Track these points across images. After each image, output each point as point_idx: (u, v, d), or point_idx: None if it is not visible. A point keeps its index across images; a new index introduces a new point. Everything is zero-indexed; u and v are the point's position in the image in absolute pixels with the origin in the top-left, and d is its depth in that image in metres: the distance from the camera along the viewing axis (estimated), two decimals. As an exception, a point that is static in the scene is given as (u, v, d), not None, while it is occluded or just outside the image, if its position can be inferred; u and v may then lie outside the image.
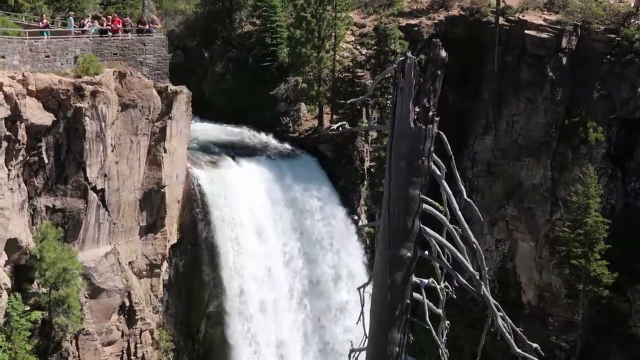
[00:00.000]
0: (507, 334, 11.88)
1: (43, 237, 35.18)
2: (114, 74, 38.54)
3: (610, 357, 51.00)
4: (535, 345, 12.10)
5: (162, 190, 41.70)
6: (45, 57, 36.81)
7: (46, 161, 35.79)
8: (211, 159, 47.29)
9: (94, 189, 37.83)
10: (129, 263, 41.14)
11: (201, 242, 44.79)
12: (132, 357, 40.30)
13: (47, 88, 35.30)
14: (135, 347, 40.44)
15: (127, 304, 39.91)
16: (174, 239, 43.83)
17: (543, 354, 12.16)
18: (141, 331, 40.71)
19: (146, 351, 41.01)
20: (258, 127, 53.21)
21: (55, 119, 35.62)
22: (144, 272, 42.27)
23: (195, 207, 44.42)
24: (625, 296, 50.75)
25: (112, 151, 38.75)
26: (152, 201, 41.57)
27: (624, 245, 49.94)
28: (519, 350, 11.91)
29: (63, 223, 36.96)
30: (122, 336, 39.85)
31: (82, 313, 36.58)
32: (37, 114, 34.76)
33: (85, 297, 37.58)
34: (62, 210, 36.89)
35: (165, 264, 43.54)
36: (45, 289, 35.26)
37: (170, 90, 41.49)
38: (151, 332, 41.54)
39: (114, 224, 39.63)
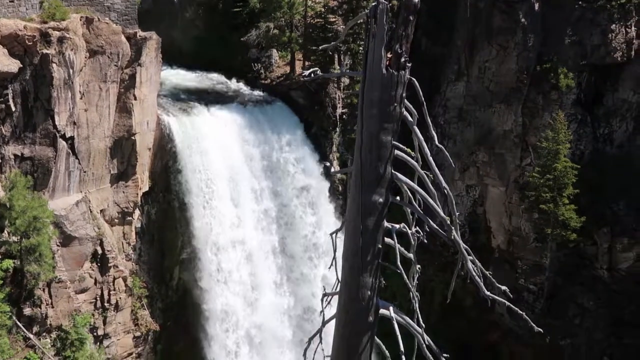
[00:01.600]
0: (476, 277, 12.08)
1: (12, 185, 34.82)
2: (80, 20, 37.74)
3: (576, 299, 52.26)
4: (504, 288, 12.34)
5: (133, 138, 41.35)
6: (10, 2, 35.93)
7: (13, 109, 35.23)
8: (182, 106, 46.85)
9: (63, 137, 37.40)
10: (101, 211, 40.99)
11: (173, 189, 44.69)
12: (106, 304, 40.44)
13: (12, 34, 34.53)
14: (109, 294, 40.57)
15: (100, 251, 39.88)
16: (145, 187, 43.66)
17: (511, 296, 12.41)
18: (114, 278, 40.80)
19: (120, 298, 41.18)
20: (229, 74, 52.69)
21: (21, 65, 34.94)
22: (115, 220, 42.17)
23: (167, 154, 44.18)
24: (592, 239, 51.78)
25: (81, 99, 38.21)
26: (122, 149, 41.24)
27: (592, 189, 50.78)
28: (488, 293, 12.13)
29: (32, 171, 36.61)
30: (95, 284, 39.92)
31: (54, 261, 36.51)
32: (2, 60, 34.08)
33: (57, 245, 37.46)
34: (31, 158, 36.48)
35: (137, 212, 43.46)
36: (16, 238, 35.07)
37: (140, 36, 40.78)
38: (124, 280, 41.64)
39: (84, 172, 39.31)
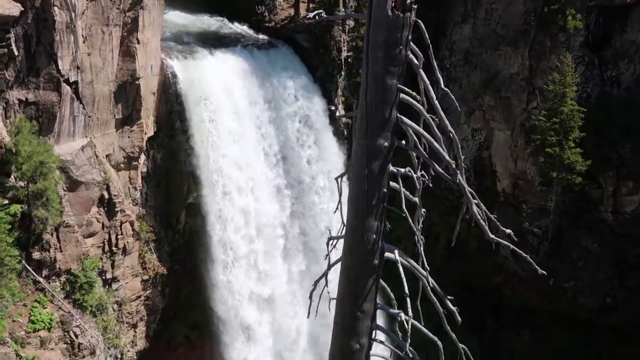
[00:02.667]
0: (481, 220, 12.11)
1: (18, 130, 34.80)
2: (81, -39, 37.18)
3: (580, 242, 52.59)
4: (508, 231, 12.39)
5: (137, 82, 41.11)
6: (9, -57, 35.34)
7: (16, 53, 34.95)
8: (186, 49, 46.42)
9: (67, 81, 37.20)
10: (106, 156, 41.05)
11: (178, 133, 44.65)
12: (114, 248, 40.84)
13: (12, -24, 34.07)
14: (117, 239, 40.94)
15: (106, 196, 40.08)
16: (150, 132, 43.61)
17: (516, 239, 12.47)
18: (121, 223, 41.10)
19: (127, 242, 41.56)
20: (233, 17, 52.07)
21: (22, 9, 34.53)
22: (121, 165, 42.26)
23: (171, 98, 44.01)
24: (597, 183, 51.82)
25: (84, 42, 37.87)
26: (126, 93, 41.06)
27: (598, 133, 50.60)
28: (492, 236, 12.19)
29: (37, 116, 36.53)
30: (103, 228, 40.23)
31: (61, 206, 36.74)
32: (3, 4, 33.67)
33: (64, 190, 37.63)
34: (36, 103, 36.37)
35: (142, 157, 43.50)
36: (23, 183, 35.24)
37: (141, -22, 40.23)
38: (131, 224, 41.97)
39: (89, 117, 39.23)
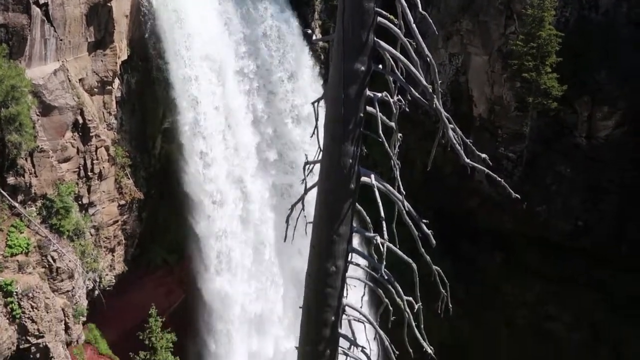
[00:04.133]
0: (457, 145, 12.16)
1: (-13, 54, 34.12)
2: None
3: (554, 166, 53.22)
4: (483, 155, 12.47)
5: (109, 4, 40.14)
6: None
7: (-17, -27, 33.95)
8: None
9: (37, 3, 36.23)
10: (80, 80, 40.41)
11: (151, 57, 43.94)
12: (89, 174, 40.65)
13: None
14: (92, 164, 40.71)
15: (80, 121, 39.65)
16: (124, 55, 42.87)
17: (491, 164, 12.57)
18: (96, 148, 40.81)
19: (103, 167, 41.38)
20: None
21: None
22: (95, 90, 41.67)
23: (144, 21, 43.11)
24: (572, 108, 52.14)
25: (53, -38, 36.79)
26: (99, 16, 40.10)
27: (576, 57, 50.57)
28: (468, 161, 12.26)
29: (7, 39, 35.70)
30: (78, 153, 39.95)
31: (34, 131, 36.34)
32: None
33: (37, 115, 37.16)
34: (5, 26, 35.48)
35: (116, 81, 42.89)
36: (-5, 107, 34.74)
37: None
38: (107, 149, 41.69)
39: (61, 40, 38.39)
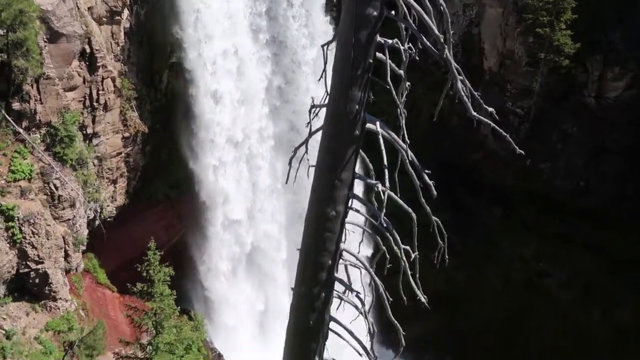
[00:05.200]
0: (465, 97, 12.07)
1: (-4, -24, 33.66)
2: None
3: (560, 124, 52.97)
4: (491, 109, 12.37)
5: None
6: None
7: None
8: None
9: None
10: (88, 9, 39.98)
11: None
12: (95, 104, 40.55)
13: None
14: (98, 94, 40.57)
15: (88, 50, 39.36)
16: (134, -14, 42.37)
17: (497, 118, 12.48)
18: (103, 78, 40.62)
19: (108, 98, 41.24)
20: None
21: None
22: (104, 19, 41.25)
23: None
24: (584, 66, 51.63)
25: None
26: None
27: (591, 15, 49.87)
28: (474, 114, 12.18)
29: (17, -38, 35.19)
30: (84, 82, 39.77)
31: (41, 57, 36.10)
32: None
33: (44, 42, 36.86)
34: (15, -52, 34.95)
35: (126, 11, 42.42)
36: (2, 31, 34.41)
37: None
38: (113, 80, 41.48)
39: (71, -34, 37.88)
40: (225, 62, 45.17)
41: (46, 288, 36.92)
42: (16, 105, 36.07)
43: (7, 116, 35.65)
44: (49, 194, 37.15)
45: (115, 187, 43.86)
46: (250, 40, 46.57)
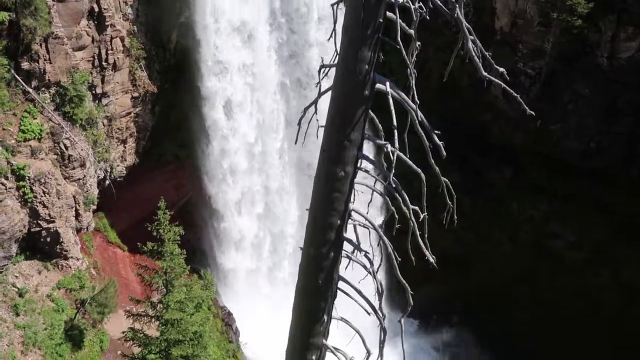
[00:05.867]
0: (475, 57, 11.98)
1: None
2: None
3: (572, 85, 52.53)
4: (502, 69, 12.28)
5: None
6: None
7: None
8: None
9: None
10: (97, -33, 39.64)
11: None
12: (104, 63, 40.46)
13: None
14: (107, 54, 40.45)
15: (96, 9, 39.13)
16: (142, -57, 41.91)
17: (508, 78, 12.40)
18: (111, 38, 40.44)
19: (117, 58, 41.12)
20: None
21: None
22: (112, -23, 40.93)
23: None
24: (597, 26, 50.97)
25: None
26: None
27: (605, -26, 49.15)
28: (485, 74, 12.10)
29: None
30: (93, 42, 39.62)
31: (50, 16, 35.93)
32: None
33: (53, 0, 36.67)
34: None
35: (134, -30, 42.09)
36: (11, -10, 34.25)
37: None
38: (122, 40, 41.30)
39: None
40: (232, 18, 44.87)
41: (57, 247, 37.28)
42: (25, 65, 36.03)
43: (16, 75, 35.63)
44: (59, 153, 37.29)
45: (124, 147, 43.97)
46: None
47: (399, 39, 12.35)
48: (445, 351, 58.22)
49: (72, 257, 38.11)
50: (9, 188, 34.43)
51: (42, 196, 35.55)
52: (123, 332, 27.97)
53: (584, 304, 53.81)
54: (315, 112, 13.91)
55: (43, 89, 37.14)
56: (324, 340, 15.28)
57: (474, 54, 11.97)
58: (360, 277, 14.37)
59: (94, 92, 40.29)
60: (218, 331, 45.57)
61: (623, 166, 51.78)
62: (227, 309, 48.49)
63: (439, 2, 12.19)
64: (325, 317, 14.93)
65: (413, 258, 13.62)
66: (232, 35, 45.32)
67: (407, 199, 13.02)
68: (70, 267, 38.12)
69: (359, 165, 13.35)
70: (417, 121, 12.53)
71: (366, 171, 13.68)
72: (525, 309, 55.73)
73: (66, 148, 37.33)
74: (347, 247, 14.25)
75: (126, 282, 43.11)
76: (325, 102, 13.15)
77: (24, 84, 35.99)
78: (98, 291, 37.31)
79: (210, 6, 43.69)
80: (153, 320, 26.75)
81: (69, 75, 37.78)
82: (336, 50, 13.24)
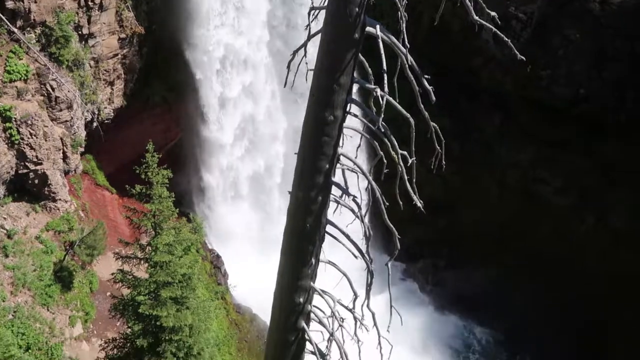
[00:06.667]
0: (467, 0, 11.86)
1: None
2: None
3: (563, 30, 52.17)
4: (493, 13, 12.18)
5: None
6: None
7: None
8: None
9: None
10: None
11: None
12: (90, 3, 39.66)
13: None
14: (93, -7, 39.71)
15: (82, -53, 38.33)
16: None
17: (499, 23, 12.30)
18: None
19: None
20: None
21: None
22: None
23: None
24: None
25: None
26: None
27: None
28: (476, 18, 12.00)
29: None
30: (78, -19, 38.88)
31: (34, -46, 35.18)
32: None
33: (37, -62, 35.84)
34: None
35: None
36: None
37: None
38: (108, -21, 40.54)
39: None
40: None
41: (45, 189, 37.23)
42: (10, 4, 35.35)
43: (0, 15, 35.01)
44: (46, 95, 36.93)
45: (112, 89, 43.56)
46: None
47: (390, -19, 12.20)
48: (431, 294, 59.08)
49: (60, 199, 38.09)
50: (-4, 130, 34.20)
51: (29, 138, 35.33)
52: (112, 274, 28.11)
53: (570, 249, 54.49)
54: (305, 55, 13.81)
55: (28, 29, 36.54)
56: (311, 283, 15.46)
57: (465, -3, 11.85)
58: (348, 221, 14.47)
59: (80, 32, 39.68)
60: (207, 274, 45.97)
61: (611, 112, 51.84)
62: (215, 252, 48.83)
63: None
64: (313, 260, 15.08)
65: (401, 203, 13.70)
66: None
67: (396, 143, 13.03)
68: (58, 209, 38.13)
69: (348, 109, 13.31)
70: (407, 65, 12.46)
71: (355, 115, 13.66)
72: (511, 253, 56.40)
73: (53, 89, 36.95)
74: (335, 191, 14.31)
75: (115, 225, 43.23)
76: (314, 46, 13.04)
77: (8, 23, 35.39)
78: (87, 233, 37.42)
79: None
80: (142, 262, 26.90)
81: (55, 15, 37.15)
82: (325, -8, 13.06)
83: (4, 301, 32.60)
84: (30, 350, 31.72)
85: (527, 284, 55.40)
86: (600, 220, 54.00)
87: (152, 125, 47.82)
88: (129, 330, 27.14)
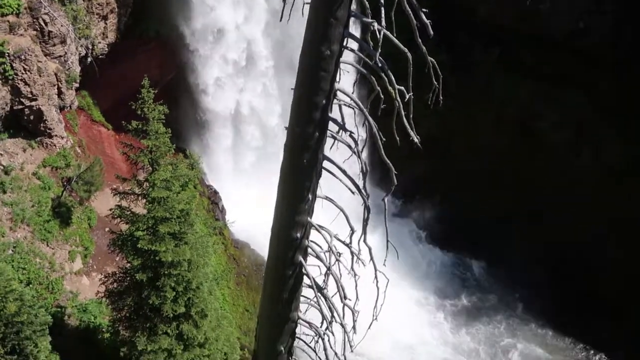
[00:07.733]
0: None
1: None
2: None
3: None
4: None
5: None
6: None
7: None
8: None
9: None
10: None
11: None
12: None
13: None
14: None
15: None
16: None
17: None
18: None
19: None
20: None
21: None
22: None
23: None
24: None
25: None
26: None
27: None
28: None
29: None
30: None
31: None
32: None
33: None
34: None
35: None
36: None
37: None
38: None
39: None
40: None
41: (41, 125, 37.06)
42: None
43: (-10, -53, 34.24)
44: (39, 29, 36.39)
45: (106, 24, 42.90)
46: None
47: None
48: (427, 229, 59.61)
49: (56, 136, 37.97)
50: (-11, 65, 33.84)
51: (23, 73, 34.98)
52: (110, 210, 28.17)
53: (566, 183, 54.81)
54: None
55: (19, -39, 35.77)
56: (308, 218, 15.58)
57: None
58: (345, 157, 14.48)
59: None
60: (205, 209, 46.19)
61: (609, 47, 51.44)
62: (213, 188, 48.95)
63: None
64: (310, 196, 15.16)
65: (398, 138, 13.71)
66: None
67: (393, 78, 12.96)
68: (55, 146, 38.05)
69: (345, 43, 13.18)
70: (405, -1, 12.29)
71: (352, 50, 13.54)
72: (506, 188, 56.70)
73: (45, 24, 36.39)
74: (332, 127, 14.29)
75: (111, 161, 43.21)
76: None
77: (-2, -45, 34.62)
78: (84, 169, 37.42)
79: None
80: (140, 198, 26.94)
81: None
82: None
83: (3, 236, 32.84)
84: (31, 285, 32.10)
85: (521, 217, 55.93)
86: (597, 155, 54.20)
87: (147, 61, 47.28)
88: (128, 265, 27.39)
